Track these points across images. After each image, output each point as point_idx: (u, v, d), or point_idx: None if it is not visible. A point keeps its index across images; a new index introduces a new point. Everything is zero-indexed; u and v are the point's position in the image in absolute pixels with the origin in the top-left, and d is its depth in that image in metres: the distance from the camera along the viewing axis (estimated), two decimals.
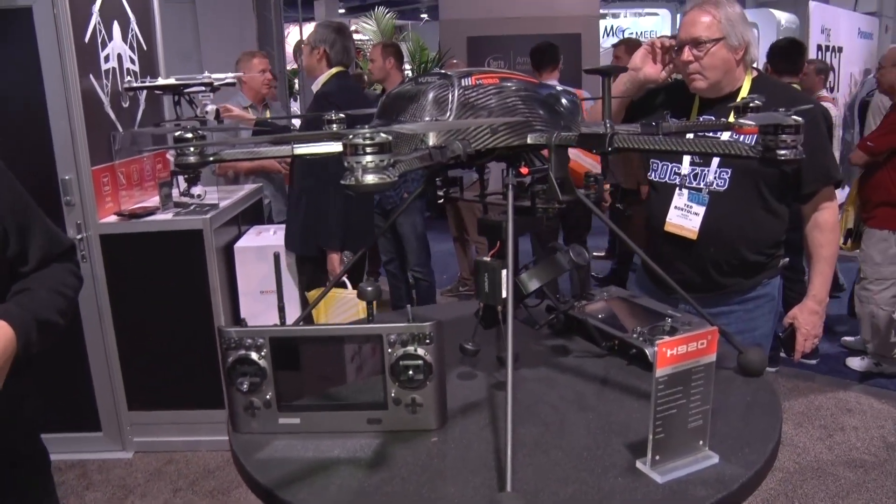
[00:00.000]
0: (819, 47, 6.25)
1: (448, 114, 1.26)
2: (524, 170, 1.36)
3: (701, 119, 2.06)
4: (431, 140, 1.21)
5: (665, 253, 2.10)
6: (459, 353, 1.47)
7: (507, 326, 1.20)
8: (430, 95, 1.28)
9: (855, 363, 4.31)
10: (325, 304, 3.03)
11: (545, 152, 1.39)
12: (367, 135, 0.90)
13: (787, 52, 4.38)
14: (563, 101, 1.47)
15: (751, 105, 1.31)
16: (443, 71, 1.37)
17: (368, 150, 0.90)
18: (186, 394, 3.38)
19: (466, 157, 1.24)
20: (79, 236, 3.13)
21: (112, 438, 3.41)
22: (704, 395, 1.13)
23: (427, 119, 1.27)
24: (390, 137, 0.91)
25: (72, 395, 3.33)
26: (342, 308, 3.05)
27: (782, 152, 1.09)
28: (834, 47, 6.74)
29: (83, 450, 3.39)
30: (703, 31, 1.98)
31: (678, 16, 15.32)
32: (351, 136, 0.91)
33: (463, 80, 1.29)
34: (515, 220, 1.28)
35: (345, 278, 3.08)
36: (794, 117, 1.08)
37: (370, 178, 0.91)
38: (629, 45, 5.32)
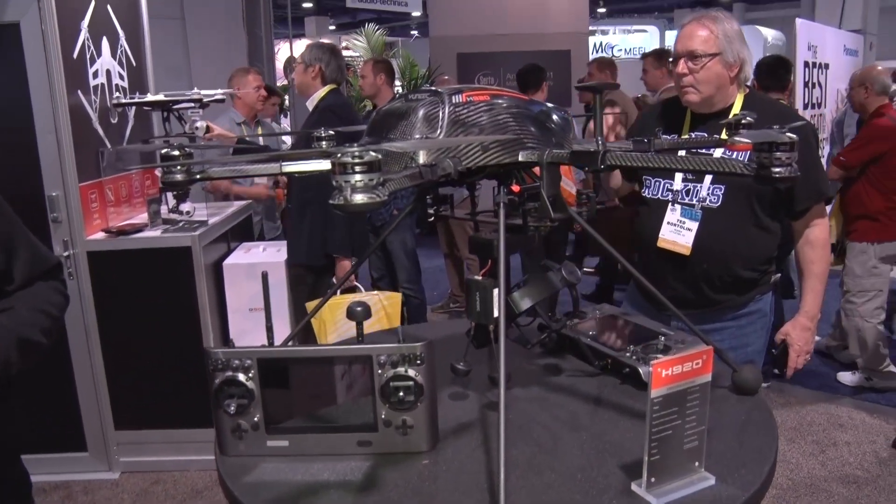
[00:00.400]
0: (806, 64, 6.29)
1: (439, 131, 1.25)
2: (516, 187, 1.34)
3: (693, 135, 2.06)
4: (422, 158, 1.19)
5: (657, 269, 2.08)
6: (450, 372, 1.45)
7: (500, 346, 1.18)
8: (421, 113, 1.27)
9: (846, 378, 4.31)
10: (330, 312, 3.01)
11: (536, 170, 1.37)
12: (356, 153, 0.89)
13: (774, 69, 4.45)
14: (555, 117, 1.46)
15: (743, 122, 1.30)
16: (433, 88, 1.36)
17: (357, 168, 0.88)
18: (174, 412, 3.33)
19: (457, 174, 1.23)
20: (66, 253, 3.09)
21: (98, 458, 3.36)
22: (700, 416, 1.11)
23: (417, 136, 1.25)
24: (380, 156, 0.90)
25: (57, 414, 3.28)
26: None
27: (777, 170, 1.08)
28: (821, 64, 6.79)
29: (68, 470, 3.33)
30: (699, 45, 1.99)
31: (667, 32, 15.44)
32: (339, 155, 0.89)
33: (453, 98, 1.28)
34: (507, 238, 1.27)
35: (357, 283, 3.11)
36: (789, 134, 1.07)
37: (359, 198, 0.89)
38: (600, 63, 5.55)
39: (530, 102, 1.42)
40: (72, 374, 3.25)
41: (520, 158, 1.32)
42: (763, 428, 1.31)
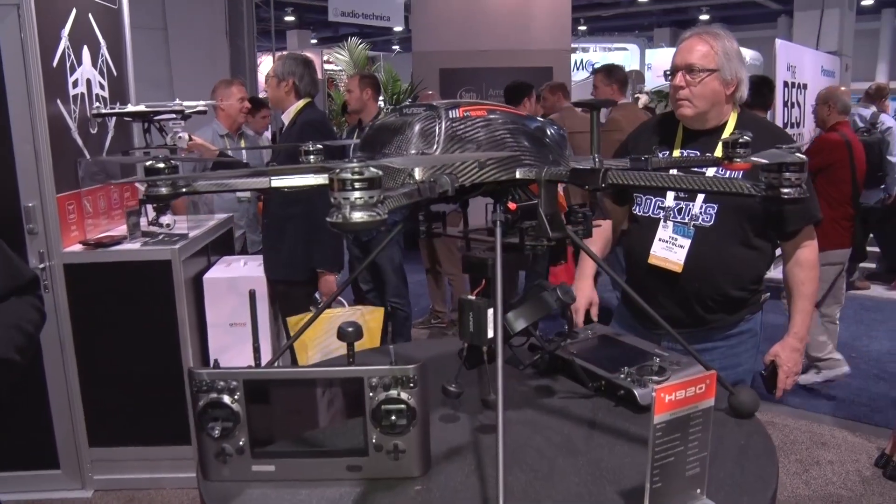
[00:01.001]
0: (786, 83, 6.38)
1: (435, 146, 1.22)
2: (512, 205, 1.31)
3: (685, 152, 2.04)
4: (418, 175, 1.16)
5: (648, 287, 2.06)
6: (441, 394, 1.40)
7: (497, 368, 1.14)
8: (417, 127, 1.24)
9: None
10: (311, 328, 2.95)
11: (533, 187, 1.34)
12: (356, 169, 0.85)
13: (758, 88, 4.54)
14: (550, 132, 1.44)
15: (740, 141, 1.28)
16: (427, 102, 1.32)
17: (357, 185, 0.84)
18: (150, 429, 3.25)
19: (454, 191, 1.19)
20: (42, 266, 3.02)
21: (71, 476, 3.26)
22: (702, 442, 1.08)
23: (413, 152, 1.22)
24: (380, 172, 0.86)
25: (29, 430, 3.19)
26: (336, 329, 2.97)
27: (786, 190, 1.06)
28: (800, 84, 6.89)
29: (40, 488, 3.23)
30: (698, 60, 1.98)
31: (647, 51, 15.61)
32: (338, 171, 0.86)
33: (450, 112, 1.25)
34: (503, 257, 1.23)
35: (342, 298, 3.07)
36: (799, 155, 1.05)
37: (358, 216, 0.85)
38: (552, 87, 5.72)
39: (526, 118, 1.40)
40: (45, 389, 3.17)
41: (517, 176, 1.29)
42: (763, 453, 1.28)
